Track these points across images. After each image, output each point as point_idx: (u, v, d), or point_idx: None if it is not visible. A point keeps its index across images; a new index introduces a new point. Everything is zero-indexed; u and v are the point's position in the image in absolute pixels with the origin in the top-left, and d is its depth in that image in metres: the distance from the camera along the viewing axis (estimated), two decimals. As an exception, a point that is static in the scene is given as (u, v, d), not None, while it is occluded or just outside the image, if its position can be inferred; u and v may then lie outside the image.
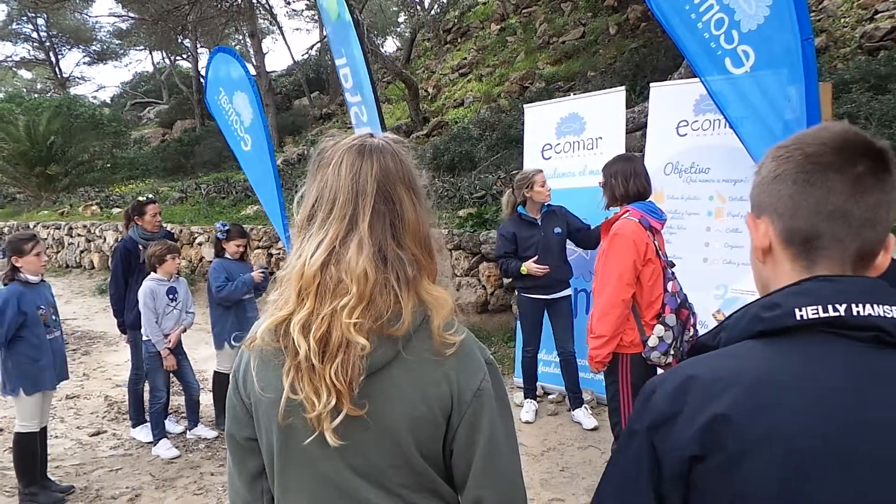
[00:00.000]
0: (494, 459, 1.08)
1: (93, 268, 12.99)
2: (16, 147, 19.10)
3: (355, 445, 1.04)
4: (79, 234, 13.55)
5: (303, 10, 30.00)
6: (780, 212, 0.90)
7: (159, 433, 4.50)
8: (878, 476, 0.76)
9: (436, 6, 20.79)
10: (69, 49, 36.17)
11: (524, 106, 5.92)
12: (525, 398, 4.87)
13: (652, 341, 3.01)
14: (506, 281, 6.57)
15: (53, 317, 3.88)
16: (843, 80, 7.11)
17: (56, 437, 4.74)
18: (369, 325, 1.01)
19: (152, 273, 4.43)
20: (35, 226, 14.55)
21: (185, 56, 29.68)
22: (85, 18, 33.86)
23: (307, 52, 28.47)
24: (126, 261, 4.69)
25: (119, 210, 13.53)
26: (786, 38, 2.92)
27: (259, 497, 1.18)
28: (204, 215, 12.04)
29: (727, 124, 3.44)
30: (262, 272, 4.60)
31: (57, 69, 35.86)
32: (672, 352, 3.01)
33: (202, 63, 25.35)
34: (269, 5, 25.16)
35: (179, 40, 26.37)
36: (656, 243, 3.09)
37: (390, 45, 30.39)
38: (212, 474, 4.16)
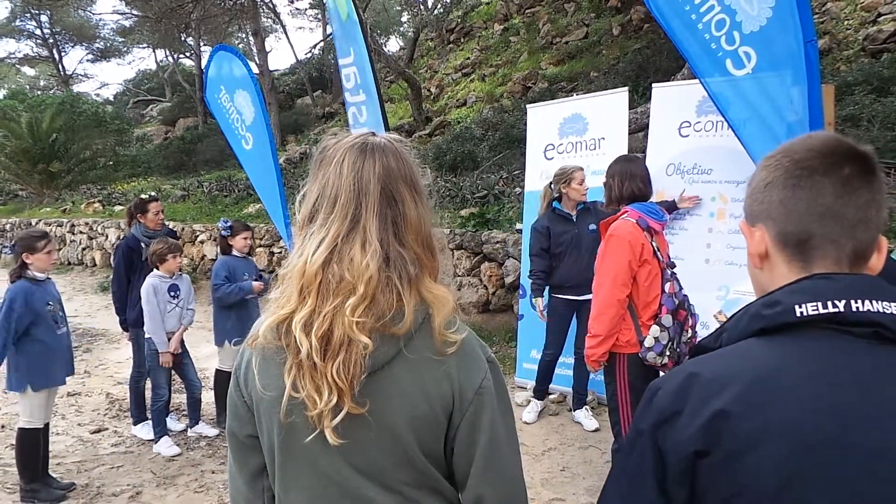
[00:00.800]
0: (495, 458, 1.09)
1: (94, 265, 13.01)
2: (18, 144, 19.11)
3: (357, 443, 1.05)
4: (81, 232, 13.58)
5: (306, 9, 30.00)
6: (773, 217, 0.92)
7: (160, 431, 4.51)
8: (877, 471, 0.77)
9: (439, 6, 20.77)
10: (72, 46, 36.19)
11: (527, 106, 5.92)
12: (533, 398, 4.85)
13: (648, 342, 3.01)
14: (507, 281, 6.57)
15: (60, 313, 3.90)
16: (845, 82, 7.11)
17: (57, 434, 4.75)
18: (371, 323, 1.02)
19: (154, 270, 4.44)
20: (37, 223, 14.58)
21: (188, 54, 29.67)
22: (88, 16, 33.92)
23: (310, 51, 28.44)
24: (128, 258, 4.70)
25: (121, 208, 13.54)
26: (788, 40, 2.91)
27: (260, 495, 1.18)
28: (206, 213, 12.07)
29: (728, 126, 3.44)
30: (263, 282, 4.63)
31: (60, 66, 35.89)
32: (668, 353, 3.01)
33: (205, 61, 25.35)
34: (272, 4, 25.17)
35: (183, 38, 26.39)
36: (654, 244, 3.09)
37: (393, 45, 30.39)
38: (213, 472, 4.17)
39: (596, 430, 4.48)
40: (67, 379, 3.99)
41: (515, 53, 16.19)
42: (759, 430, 0.80)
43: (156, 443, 4.51)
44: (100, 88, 64.14)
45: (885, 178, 5.81)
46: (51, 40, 34.54)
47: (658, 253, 3.10)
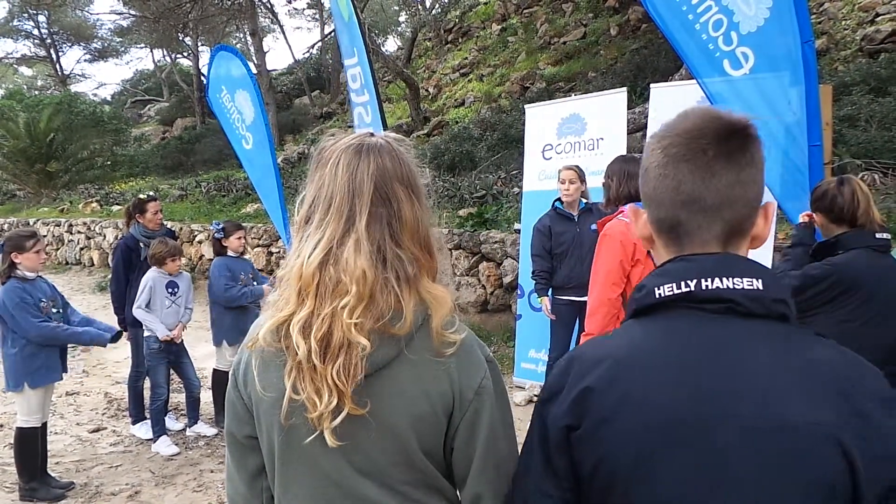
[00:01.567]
0: (494, 457, 1.09)
1: (92, 265, 13.00)
2: (16, 144, 19.09)
3: (357, 444, 1.05)
4: (79, 232, 13.56)
5: (304, 9, 30.02)
6: (650, 202, 0.96)
7: (159, 430, 4.51)
8: (727, 443, 0.80)
9: (437, 6, 20.79)
10: (70, 46, 36.17)
11: (525, 106, 5.92)
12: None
13: None
14: (505, 281, 6.57)
15: (54, 309, 3.89)
16: (843, 82, 7.12)
17: (56, 433, 4.74)
18: (370, 324, 1.02)
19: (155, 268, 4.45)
20: (35, 223, 14.56)
21: (185, 54, 29.66)
22: (86, 16, 33.91)
23: (308, 51, 28.45)
24: (127, 258, 4.70)
25: (119, 207, 13.53)
26: (786, 41, 2.92)
27: (259, 495, 1.18)
28: (204, 213, 12.06)
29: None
30: (272, 286, 4.63)
31: (58, 66, 35.83)
32: None
33: (203, 61, 25.37)
34: (270, 4, 25.15)
35: (180, 38, 26.38)
36: None
37: (391, 45, 30.39)
38: (211, 471, 4.17)
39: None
40: (66, 378, 3.99)
41: (513, 53, 16.19)
42: (617, 404, 0.86)
43: (154, 442, 4.51)
44: (97, 88, 64.35)
45: (883, 178, 5.78)
46: (48, 40, 34.49)
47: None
